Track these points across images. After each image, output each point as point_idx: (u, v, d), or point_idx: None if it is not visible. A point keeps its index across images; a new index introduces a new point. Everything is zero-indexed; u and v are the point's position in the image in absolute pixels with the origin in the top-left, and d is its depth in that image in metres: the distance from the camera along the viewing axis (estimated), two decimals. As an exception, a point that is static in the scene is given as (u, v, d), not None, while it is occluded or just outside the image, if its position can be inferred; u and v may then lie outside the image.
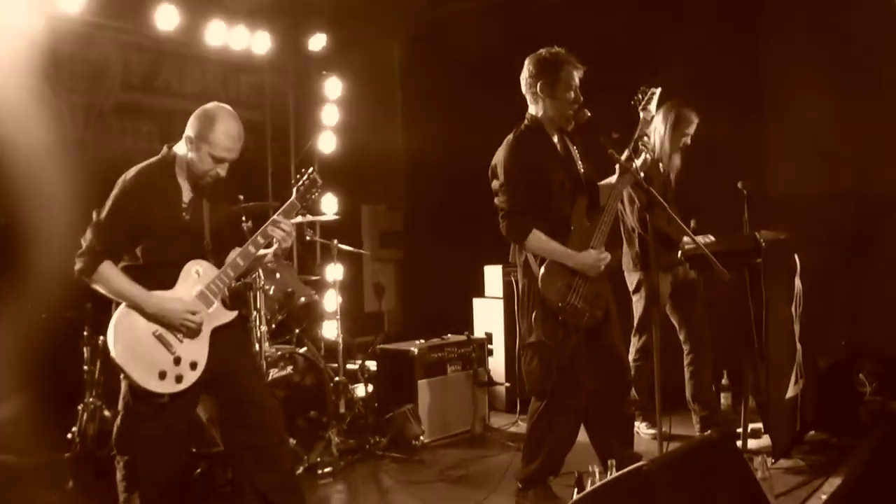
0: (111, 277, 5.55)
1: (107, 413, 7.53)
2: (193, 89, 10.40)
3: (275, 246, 5.87)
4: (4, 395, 7.64)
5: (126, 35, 9.82)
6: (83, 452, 7.42)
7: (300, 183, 5.96)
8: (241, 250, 5.82)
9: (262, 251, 5.89)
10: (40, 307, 7.82)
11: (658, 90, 6.99)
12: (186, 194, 5.79)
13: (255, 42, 10.76)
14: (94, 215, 5.63)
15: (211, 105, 5.78)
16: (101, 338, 7.48)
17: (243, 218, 7.86)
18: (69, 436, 7.47)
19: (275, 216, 5.80)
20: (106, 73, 9.72)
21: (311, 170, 6.05)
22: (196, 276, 5.73)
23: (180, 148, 5.79)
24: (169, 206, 5.73)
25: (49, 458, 7.49)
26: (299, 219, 8.71)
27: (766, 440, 7.75)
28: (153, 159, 5.81)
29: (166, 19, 9.71)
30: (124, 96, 9.85)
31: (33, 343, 7.53)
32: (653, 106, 6.96)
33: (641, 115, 6.89)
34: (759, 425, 7.95)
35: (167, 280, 5.66)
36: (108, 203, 5.62)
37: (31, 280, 7.77)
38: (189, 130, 5.73)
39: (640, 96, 6.94)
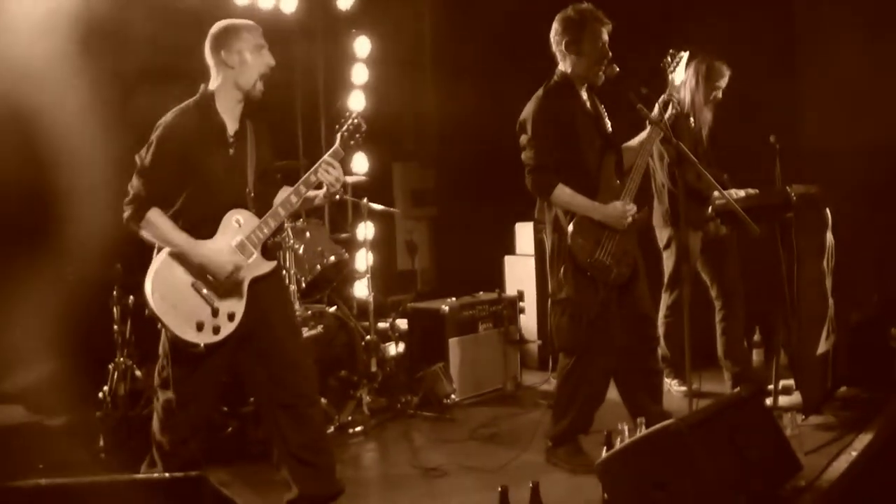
0: (160, 225, 5.55)
1: (138, 373, 7.62)
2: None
3: (324, 190, 5.85)
4: (35, 357, 7.70)
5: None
6: (114, 412, 7.49)
7: (343, 128, 5.89)
8: (283, 199, 5.80)
9: (311, 193, 5.86)
10: (69, 268, 7.85)
11: (686, 54, 7.03)
12: (231, 127, 5.79)
13: (283, 1, 10.72)
14: (138, 160, 5.62)
15: (214, 25, 5.86)
16: (132, 297, 7.57)
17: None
18: (100, 395, 7.55)
19: (325, 157, 5.76)
20: (133, 36, 9.72)
21: (354, 114, 5.97)
22: (237, 226, 5.71)
23: (214, 82, 5.80)
24: (213, 141, 5.74)
25: (80, 418, 7.57)
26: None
27: (797, 396, 7.75)
28: (193, 98, 5.81)
29: None
30: (152, 59, 9.85)
31: (63, 304, 7.56)
32: (681, 69, 7.01)
33: (670, 77, 6.93)
34: (791, 381, 7.94)
35: (209, 230, 5.66)
36: (151, 147, 5.62)
37: (59, 242, 7.79)
38: (214, 52, 5.76)
39: (668, 59, 6.97)
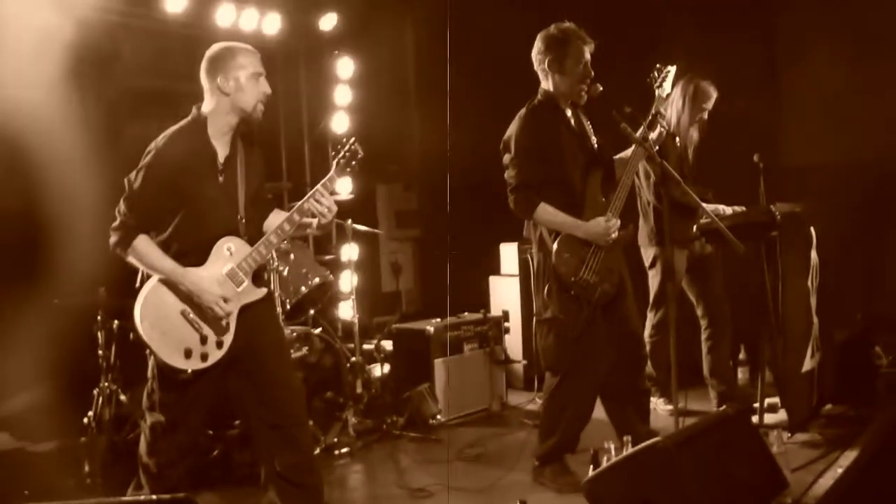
0: (147, 252, 5.55)
1: (122, 397, 7.57)
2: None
3: (315, 221, 5.83)
4: (20, 383, 7.68)
5: (135, 20, 9.80)
6: (99, 437, 7.44)
7: (341, 154, 5.86)
8: (275, 227, 5.77)
9: (305, 220, 5.82)
10: (53, 293, 7.83)
11: (673, 68, 7.01)
12: (222, 153, 5.76)
13: (266, 23, 10.72)
14: (127, 184, 5.59)
15: (211, 47, 5.82)
16: (116, 322, 7.56)
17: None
18: (85, 420, 7.49)
19: (318, 188, 5.74)
20: (116, 60, 9.71)
21: (352, 140, 5.94)
22: (228, 254, 5.70)
23: (207, 105, 5.77)
24: (204, 169, 5.70)
25: (65, 444, 7.53)
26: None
27: (783, 414, 7.76)
28: (183, 122, 5.77)
29: (174, 2, 9.63)
30: (135, 82, 9.84)
31: (48, 330, 7.54)
32: (667, 84, 6.97)
33: (657, 92, 6.90)
34: (777, 400, 7.95)
35: (199, 257, 5.65)
36: (141, 172, 5.58)
37: (45, 267, 7.78)
38: (210, 77, 5.74)
39: (655, 74, 6.95)
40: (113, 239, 5.56)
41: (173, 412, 5.71)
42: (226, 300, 5.62)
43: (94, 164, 8.15)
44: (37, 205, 7.97)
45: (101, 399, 7.54)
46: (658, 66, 6.98)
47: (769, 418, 7.79)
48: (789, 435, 7.30)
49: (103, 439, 7.43)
